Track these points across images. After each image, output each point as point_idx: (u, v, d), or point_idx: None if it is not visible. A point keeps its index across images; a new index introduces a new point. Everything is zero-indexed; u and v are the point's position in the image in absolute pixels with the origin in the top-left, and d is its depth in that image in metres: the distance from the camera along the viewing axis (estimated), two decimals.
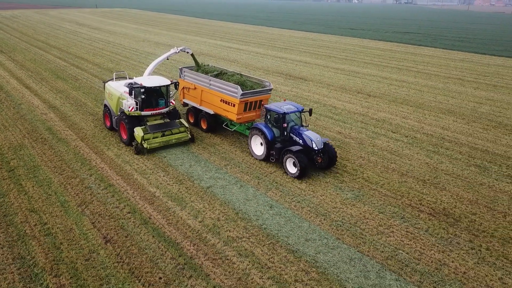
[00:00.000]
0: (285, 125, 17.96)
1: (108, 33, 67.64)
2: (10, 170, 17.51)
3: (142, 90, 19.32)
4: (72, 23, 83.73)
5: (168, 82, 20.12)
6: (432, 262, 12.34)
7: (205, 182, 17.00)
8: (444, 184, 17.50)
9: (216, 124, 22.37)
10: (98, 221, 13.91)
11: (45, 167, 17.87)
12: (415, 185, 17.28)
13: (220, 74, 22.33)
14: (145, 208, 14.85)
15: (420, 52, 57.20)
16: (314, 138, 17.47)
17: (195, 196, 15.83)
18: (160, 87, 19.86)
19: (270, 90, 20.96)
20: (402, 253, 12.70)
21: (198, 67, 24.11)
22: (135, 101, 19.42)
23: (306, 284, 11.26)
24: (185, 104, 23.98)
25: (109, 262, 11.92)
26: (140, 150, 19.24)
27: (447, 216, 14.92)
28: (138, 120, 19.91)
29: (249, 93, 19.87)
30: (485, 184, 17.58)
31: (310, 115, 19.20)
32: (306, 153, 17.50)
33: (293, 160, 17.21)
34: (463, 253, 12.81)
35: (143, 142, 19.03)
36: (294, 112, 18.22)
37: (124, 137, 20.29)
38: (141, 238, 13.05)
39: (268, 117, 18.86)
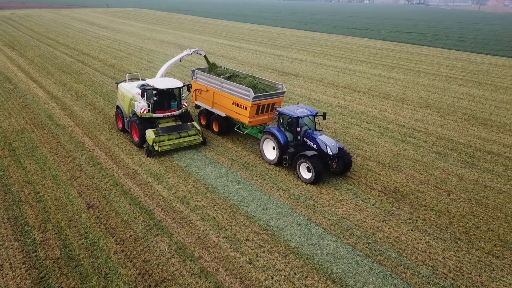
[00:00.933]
0: (299, 129, 17.57)
1: (116, 32, 70.19)
2: (11, 150, 19.66)
3: (155, 92, 18.93)
4: (82, 22, 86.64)
5: (181, 84, 19.85)
6: (370, 228, 14.05)
7: (183, 162, 18.91)
8: (402, 167, 19.12)
9: (227, 127, 22.07)
10: (84, 192, 15.91)
11: (42, 148, 19.98)
12: (374, 168, 18.92)
13: (233, 77, 21.88)
14: (126, 182, 16.82)
15: (417, 51, 58.38)
16: (329, 143, 16.94)
17: (172, 174, 17.75)
18: (172, 89, 19.59)
19: (283, 93, 20.53)
20: (346, 221, 14.42)
21: (211, 69, 23.62)
22: (147, 103, 19.19)
23: (255, 243, 13.06)
24: (197, 106, 23.65)
25: (89, 222, 13.89)
26: (150, 153, 19.10)
27: (395, 193, 16.57)
28: (150, 122, 19.62)
29: (262, 96, 19.43)
30: (440, 168, 19.16)
31: (324, 119, 18.70)
32: (321, 158, 16.93)
33: (307, 165, 16.74)
34: (400, 222, 14.48)
35: (154, 144, 18.77)
36: (307, 116, 17.71)
37: (136, 139, 20.03)
38: (119, 205, 15.01)
39: (281, 121, 18.35)
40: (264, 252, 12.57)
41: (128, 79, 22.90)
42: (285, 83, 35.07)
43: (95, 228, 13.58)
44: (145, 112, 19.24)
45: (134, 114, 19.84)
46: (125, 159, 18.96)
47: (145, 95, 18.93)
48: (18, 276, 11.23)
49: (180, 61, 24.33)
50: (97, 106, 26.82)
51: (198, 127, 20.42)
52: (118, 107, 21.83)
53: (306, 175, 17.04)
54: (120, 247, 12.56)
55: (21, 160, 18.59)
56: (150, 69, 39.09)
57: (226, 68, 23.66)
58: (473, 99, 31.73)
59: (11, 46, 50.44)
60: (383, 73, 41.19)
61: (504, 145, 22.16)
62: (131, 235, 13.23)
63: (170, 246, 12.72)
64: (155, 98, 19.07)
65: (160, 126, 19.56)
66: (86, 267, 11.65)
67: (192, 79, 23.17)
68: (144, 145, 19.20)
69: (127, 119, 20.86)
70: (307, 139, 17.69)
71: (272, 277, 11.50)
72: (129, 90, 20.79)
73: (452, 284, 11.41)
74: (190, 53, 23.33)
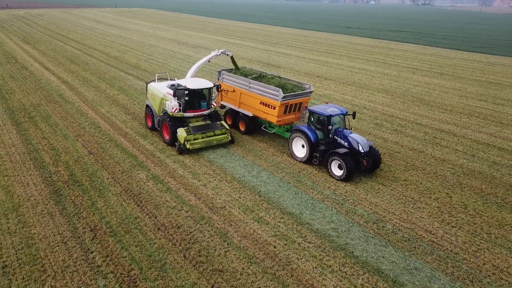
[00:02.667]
0: (330, 127, 17.97)
1: (122, 29, 75.51)
2: (30, 117, 24.70)
3: (186, 92, 19.44)
4: (91, 20, 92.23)
5: (211, 85, 20.24)
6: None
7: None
8: None
9: (254, 127, 22.63)
10: (86, 144, 20.85)
11: (55, 116, 25.01)
12: None
13: (260, 77, 22.45)
14: (119, 138, 21.72)
15: (399, 47, 62.79)
16: (360, 141, 17.35)
17: (158, 133, 22.63)
18: (203, 89, 20.06)
19: (310, 92, 20.98)
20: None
21: (237, 70, 24.13)
22: (178, 102, 19.74)
23: (210, 175, 17.84)
24: (222, 106, 24.02)
25: (89, 162, 18.81)
26: (182, 151, 19.66)
27: None
28: (180, 121, 20.18)
29: (290, 96, 19.90)
30: (372, 134, 23.81)
31: (354, 118, 18.90)
32: (352, 156, 17.32)
33: (339, 162, 17.11)
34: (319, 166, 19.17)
35: (186, 143, 19.34)
36: (338, 114, 18.15)
37: (167, 137, 20.63)
38: (112, 153, 19.90)
39: (312, 119, 18.76)
40: (215, 180, 17.38)
41: (158, 79, 23.45)
42: (269, 70, 39.79)
43: (94, 165, 18.50)
44: (176, 111, 19.77)
45: (165, 113, 20.36)
46: (120, 125, 23.88)
47: (176, 95, 19.47)
48: (39, 189, 16.16)
49: (209, 61, 24.30)
50: (100, 88, 31.82)
51: (227, 126, 20.92)
52: (147, 106, 22.51)
53: (338, 172, 17.42)
54: (111, 176, 17.46)
55: (38, 124, 23.61)
56: (148, 60, 44.12)
57: (251, 69, 24.20)
58: (427, 86, 36.22)
59: (26, 41, 55.87)
60: (358, 65, 45.76)
61: (434, 119, 26.72)
62: (119, 169, 18.12)
63: (147, 176, 17.60)
64: (186, 98, 19.53)
65: (190, 125, 20.05)
66: (86, 186, 16.57)
67: (218, 79, 23.54)
68: (176, 143, 19.84)
69: (158, 118, 21.43)
70: (337, 137, 18.07)
71: (217, 193, 16.30)
72: (160, 90, 21.27)
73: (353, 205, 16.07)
74: (219, 53, 23.36)
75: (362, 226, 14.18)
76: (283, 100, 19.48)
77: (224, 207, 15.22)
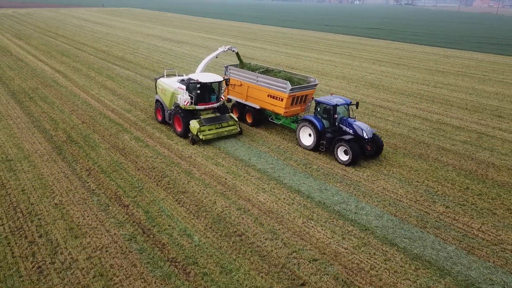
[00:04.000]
0: (336, 116, 19.16)
1: (109, 27, 79.28)
2: (30, 98, 28.75)
3: (198, 85, 20.26)
4: (79, 19, 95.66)
5: (221, 79, 21.21)
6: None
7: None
8: None
9: (260, 118, 23.71)
10: (80, 116, 25.02)
11: (51, 97, 29.08)
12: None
13: (266, 71, 23.64)
14: (107, 112, 25.90)
15: (367, 42, 67.85)
16: (364, 128, 18.60)
17: (140, 109, 26.91)
18: (214, 83, 21.07)
19: (315, 85, 22.19)
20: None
21: (242, 65, 25.26)
22: (189, 95, 20.63)
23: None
24: (228, 100, 24.86)
25: (83, 128, 22.98)
26: (196, 141, 20.71)
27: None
28: (192, 114, 21.08)
29: (297, 88, 21.03)
30: None
31: (357, 107, 20.19)
32: (357, 142, 18.58)
33: (345, 148, 18.32)
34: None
35: (198, 133, 20.30)
36: (343, 104, 19.29)
37: (179, 129, 21.56)
38: (102, 122, 24.11)
39: (318, 109, 19.92)
40: (187, 142, 21.76)
41: (166, 75, 24.19)
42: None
43: (86, 130, 22.72)
44: (188, 104, 20.71)
45: (177, 106, 21.31)
46: (108, 103, 28.05)
47: (189, 89, 20.57)
48: (43, 146, 20.30)
49: (216, 57, 25.22)
50: (90, 76, 35.91)
51: (236, 118, 22.06)
52: (157, 101, 23.47)
53: (344, 157, 18.65)
54: (101, 137, 21.71)
55: (37, 102, 27.69)
56: (134, 53, 48.25)
57: (256, 64, 25.48)
58: (381, 74, 41.06)
59: (18, 37, 59.47)
60: (325, 57, 50.51)
61: (377, 98, 31.46)
62: (108, 133, 22.38)
63: (130, 137, 21.89)
64: (198, 91, 20.41)
65: (202, 117, 21.01)
66: (81, 143, 20.79)
67: (225, 74, 24.21)
68: (189, 134, 20.87)
69: (168, 111, 22.40)
70: (343, 125, 19.31)
71: (186, 148, 20.70)
72: (170, 84, 22.21)
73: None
74: (225, 50, 24.17)
75: (293, 167, 18.73)
76: (290, 92, 20.56)
77: (191, 156, 19.64)
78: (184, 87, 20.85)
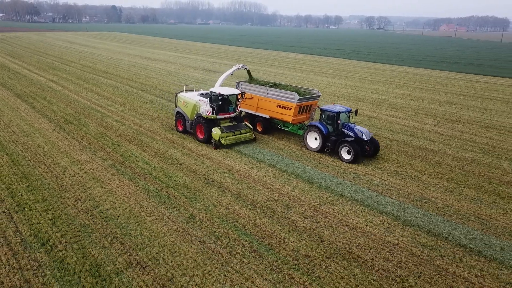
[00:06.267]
0: (339, 121, 21.87)
1: (93, 48, 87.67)
2: (33, 98, 36.37)
3: (220, 97, 23.00)
4: (65, 41, 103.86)
5: (239, 92, 24.10)
6: None
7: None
8: None
9: (270, 127, 26.54)
10: (73, 108, 32.79)
11: (49, 97, 36.82)
12: None
13: (275, 85, 26.39)
14: (94, 107, 33.86)
15: (322, 60, 77.94)
16: (364, 131, 21.36)
17: (121, 105, 35.07)
18: (233, 95, 23.76)
19: (319, 96, 25.33)
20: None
21: (252, 80, 28.19)
22: (211, 106, 23.30)
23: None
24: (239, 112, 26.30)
25: (76, 115, 30.90)
26: (218, 146, 23.43)
27: None
28: (213, 123, 23.71)
29: (304, 99, 23.90)
30: None
31: (356, 114, 23.05)
32: (357, 143, 21.24)
33: (348, 148, 21.07)
34: None
35: (221, 139, 23.00)
36: (345, 112, 22.22)
37: (200, 136, 24.30)
38: (90, 112, 31.99)
39: (323, 116, 22.73)
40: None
41: (186, 90, 27.06)
42: (204, 75, 53.11)
43: (79, 116, 30.49)
44: (210, 114, 23.43)
45: (200, 116, 23.92)
46: (94, 101, 36.06)
47: (212, 100, 23.36)
48: (47, 125, 28.01)
49: (232, 74, 27.58)
50: (78, 84, 43.93)
51: (251, 126, 24.90)
52: (178, 113, 26.00)
53: (346, 156, 21.30)
54: (90, 120, 29.60)
55: (38, 100, 35.39)
56: (115, 68, 56.57)
57: (263, 80, 29.10)
58: (321, 82, 50.23)
59: (12, 56, 67.24)
60: (279, 71, 59.73)
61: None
62: (95, 118, 30.18)
63: (111, 120, 29.94)
64: (220, 103, 23.18)
65: (222, 125, 23.74)
66: (75, 123, 28.67)
67: (237, 89, 26.59)
68: (212, 140, 23.43)
69: (190, 122, 25.09)
70: (345, 129, 22.06)
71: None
72: (192, 98, 24.89)
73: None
74: (240, 67, 26.92)
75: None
76: (298, 102, 23.41)
77: (155, 129, 27.81)
78: (205, 99, 23.76)
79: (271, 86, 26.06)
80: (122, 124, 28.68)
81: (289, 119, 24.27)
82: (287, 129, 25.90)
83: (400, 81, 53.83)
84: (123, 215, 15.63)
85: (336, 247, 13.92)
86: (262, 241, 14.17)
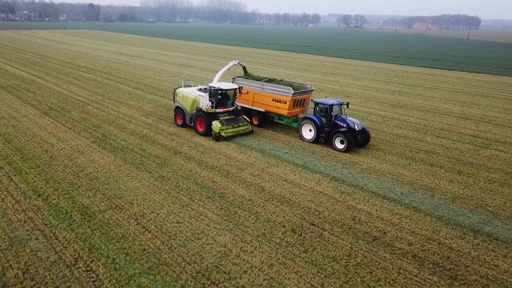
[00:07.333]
0: (332, 113, 23.19)
1: (72, 45, 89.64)
2: (17, 90, 39.24)
3: (219, 92, 23.99)
4: (43, 39, 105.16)
5: (237, 87, 24.86)
6: None
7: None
8: None
9: (265, 120, 27.65)
10: (56, 99, 35.88)
11: (33, 89, 39.65)
12: None
13: (270, 80, 27.35)
14: (75, 97, 36.90)
15: (294, 56, 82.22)
16: (356, 122, 22.75)
17: (100, 95, 38.29)
18: (232, 90, 24.68)
19: (312, 91, 26.42)
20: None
21: (247, 75, 29.24)
22: (210, 100, 24.12)
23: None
24: None
25: (59, 104, 34.07)
26: (218, 138, 24.26)
27: None
28: (212, 116, 24.54)
29: (298, 93, 24.92)
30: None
31: (347, 107, 24.71)
32: (350, 133, 22.57)
33: (341, 138, 22.42)
34: None
35: (221, 131, 23.94)
36: (337, 104, 23.53)
37: (201, 129, 25.21)
38: (72, 101, 35.17)
39: (317, 109, 24.05)
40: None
41: (184, 86, 28.17)
42: (179, 69, 56.55)
43: (62, 104, 33.53)
44: (210, 108, 24.30)
45: (199, 110, 24.79)
46: (75, 92, 39.17)
47: (212, 95, 24.15)
48: (34, 112, 31.03)
49: (229, 70, 28.63)
50: (59, 77, 46.72)
51: (248, 120, 25.98)
52: (177, 107, 26.83)
53: (340, 146, 22.63)
54: (73, 108, 32.88)
55: (23, 92, 38.24)
56: (94, 63, 59.37)
57: (258, 76, 30.30)
58: (289, 75, 54.36)
59: None
60: (250, 65, 63.49)
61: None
62: (77, 106, 33.49)
63: (92, 107, 33.22)
64: (219, 97, 24.12)
65: (221, 118, 24.62)
66: (59, 110, 31.84)
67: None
68: (212, 133, 24.43)
69: (189, 116, 26.00)
70: (337, 121, 23.37)
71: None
72: (191, 93, 25.78)
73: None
74: (236, 63, 27.83)
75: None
76: (293, 96, 24.48)
77: (131, 115, 31.27)
78: (205, 94, 24.79)
79: (266, 81, 27.07)
80: (102, 111, 31.98)
81: (284, 112, 25.39)
82: (282, 122, 27.07)
83: (361, 74, 58.47)
84: (104, 176, 19.16)
85: (274, 194, 17.84)
86: (216, 191, 17.95)
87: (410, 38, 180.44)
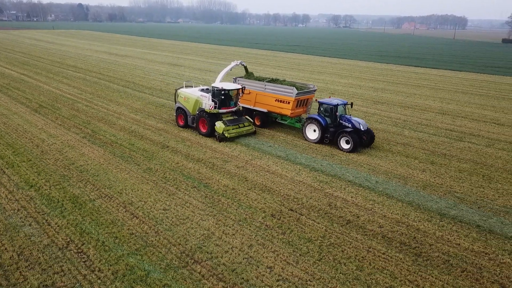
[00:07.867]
0: (337, 113, 22.95)
1: (61, 45, 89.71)
2: (7, 89, 39.77)
3: (223, 92, 23.72)
4: (31, 39, 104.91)
5: (240, 87, 24.67)
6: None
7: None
8: None
9: (267, 120, 27.27)
10: (46, 96, 36.44)
11: (23, 88, 40.14)
12: None
13: (272, 80, 27.02)
14: (64, 95, 37.63)
15: (280, 55, 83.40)
16: (361, 122, 22.60)
17: (90, 94, 38.96)
18: (235, 90, 24.40)
19: (315, 90, 26.16)
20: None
21: (248, 76, 28.64)
22: (213, 101, 23.85)
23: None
24: None
25: (49, 101, 34.69)
26: (222, 139, 23.99)
27: None
28: (215, 117, 24.12)
29: (301, 93, 24.68)
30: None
31: (352, 107, 24.73)
32: (355, 133, 22.34)
33: (347, 138, 22.16)
34: None
35: (224, 132, 23.62)
36: (342, 104, 23.28)
37: (203, 130, 24.72)
38: (61, 100, 35.86)
39: (321, 109, 23.71)
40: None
41: (185, 86, 27.81)
42: (168, 68, 57.31)
43: (52, 102, 34.16)
44: (213, 108, 24.00)
45: (202, 111, 24.43)
46: (65, 90, 39.78)
47: (215, 95, 23.88)
48: (24, 109, 31.74)
49: (231, 70, 27.75)
50: (49, 77, 47.15)
51: (251, 120, 25.62)
52: (179, 108, 26.42)
53: (345, 146, 22.40)
54: (62, 105, 33.57)
55: (13, 90, 38.70)
56: (84, 63, 59.82)
57: (259, 76, 29.81)
58: (276, 74, 55.47)
59: None
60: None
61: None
62: (66, 103, 34.20)
63: (82, 104, 33.95)
64: (222, 97, 23.89)
65: (224, 119, 24.30)
66: (49, 108, 32.53)
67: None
68: (215, 134, 24.02)
69: (191, 116, 25.52)
70: (342, 121, 23.18)
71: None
72: (193, 93, 25.38)
73: None
74: (238, 63, 27.33)
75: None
76: (296, 96, 24.30)
77: (121, 112, 32.07)
78: (207, 94, 24.53)
79: (269, 81, 26.83)
80: (91, 108, 32.70)
81: (288, 112, 25.11)
82: (285, 122, 26.77)
83: (346, 72, 59.84)
84: (94, 168, 20.01)
85: (256, 183, 18.86)
86: (201, 181, 18.92)
87: (397, 38, 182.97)
